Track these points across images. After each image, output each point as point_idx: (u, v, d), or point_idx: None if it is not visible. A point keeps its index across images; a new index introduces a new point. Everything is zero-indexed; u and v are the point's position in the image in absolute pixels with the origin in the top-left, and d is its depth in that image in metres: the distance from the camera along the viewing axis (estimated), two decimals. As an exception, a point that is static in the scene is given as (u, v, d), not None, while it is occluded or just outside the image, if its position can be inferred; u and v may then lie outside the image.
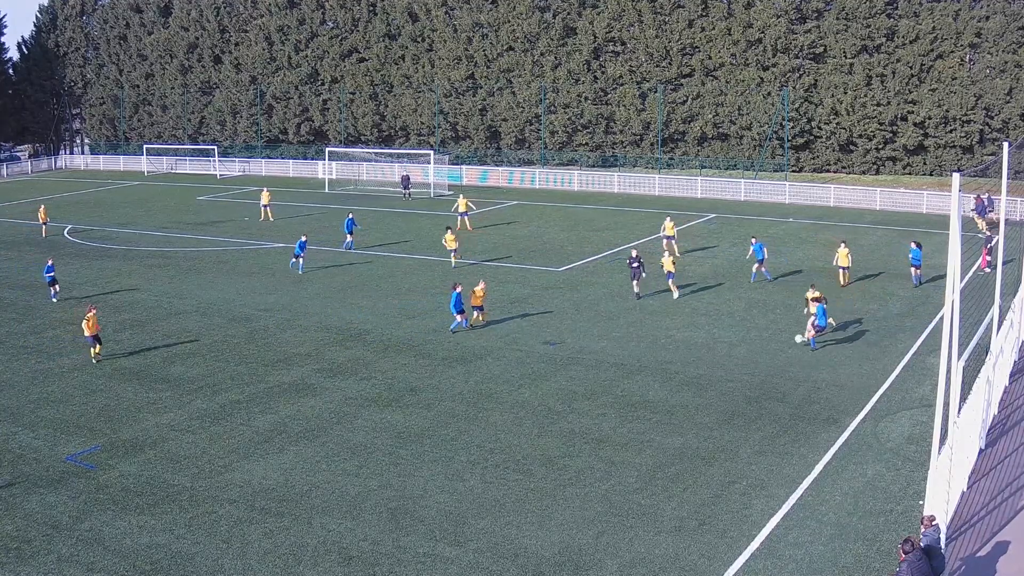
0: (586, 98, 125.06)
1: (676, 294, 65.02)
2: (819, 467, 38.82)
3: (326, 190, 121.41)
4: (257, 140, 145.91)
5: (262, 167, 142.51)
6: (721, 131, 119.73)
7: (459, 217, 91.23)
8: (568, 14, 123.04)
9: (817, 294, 55.98)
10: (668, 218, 79.46)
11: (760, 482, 37.55)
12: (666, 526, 34.02)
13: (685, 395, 47.18)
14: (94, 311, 54.58)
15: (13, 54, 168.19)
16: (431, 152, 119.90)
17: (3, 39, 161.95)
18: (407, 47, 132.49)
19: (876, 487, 36.72)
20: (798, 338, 54.11)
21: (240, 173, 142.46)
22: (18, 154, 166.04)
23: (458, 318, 58.21)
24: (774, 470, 38.59)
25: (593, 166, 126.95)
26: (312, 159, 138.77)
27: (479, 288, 59.21)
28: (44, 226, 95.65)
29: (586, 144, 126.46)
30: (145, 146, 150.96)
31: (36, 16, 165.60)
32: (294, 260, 75.92)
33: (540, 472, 38.75)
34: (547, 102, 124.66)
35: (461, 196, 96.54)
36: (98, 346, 54.62)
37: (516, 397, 47.35)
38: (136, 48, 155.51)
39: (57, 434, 44.29)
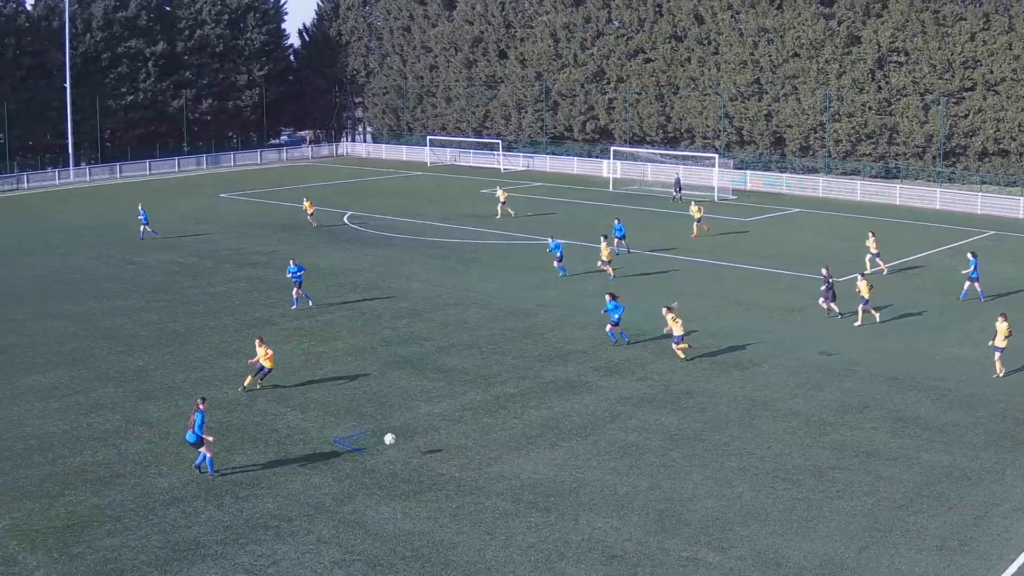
0: (869, 107, 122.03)
1: (860, 321, 61.01)
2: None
3: (610, 189, 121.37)
4: (542, 136, 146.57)
5: (546, 163, 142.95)
6: (1002, 147, 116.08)
7: (694, 223, 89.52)
8: (852, 22, 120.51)
9: None
10: (871, 233, 76.06)
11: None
12: (928, 544, 33.08)
13: (956, 413, 45.75)
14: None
15: (294, 40, 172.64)
16: (716, 155, 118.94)
17: (284, 26, 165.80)
18: (693, 49, 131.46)
19: None
20: None
21: (524, 168, 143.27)
22: (299, 140, 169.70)
23: (608, 328, 56.89)
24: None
25: (876, 176, 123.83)
26: (596, 157, 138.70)
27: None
28: (311, 216, 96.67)
29: (870, 154, 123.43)
30: (429, 137, 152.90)
31: (318, 4, 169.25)
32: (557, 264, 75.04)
33: (808, 483, 38.03)
34: (831, 110, 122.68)
35: (694, 204, 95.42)
36: (261, 377, 49.15)
37: (789, 406, 46.54)
38: (420, 40, 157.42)
39: (326, 416, 45.16)
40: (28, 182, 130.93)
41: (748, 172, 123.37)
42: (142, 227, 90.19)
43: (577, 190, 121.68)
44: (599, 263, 73.17)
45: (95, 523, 35.18)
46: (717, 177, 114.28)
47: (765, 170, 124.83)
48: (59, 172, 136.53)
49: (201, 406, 39.57)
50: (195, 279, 72.81)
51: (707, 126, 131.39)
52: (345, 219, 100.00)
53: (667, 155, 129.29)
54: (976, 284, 66.41)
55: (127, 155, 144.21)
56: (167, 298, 67.73)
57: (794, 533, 33.74)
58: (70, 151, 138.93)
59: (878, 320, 60.25)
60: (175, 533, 34.36)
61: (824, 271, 62.63)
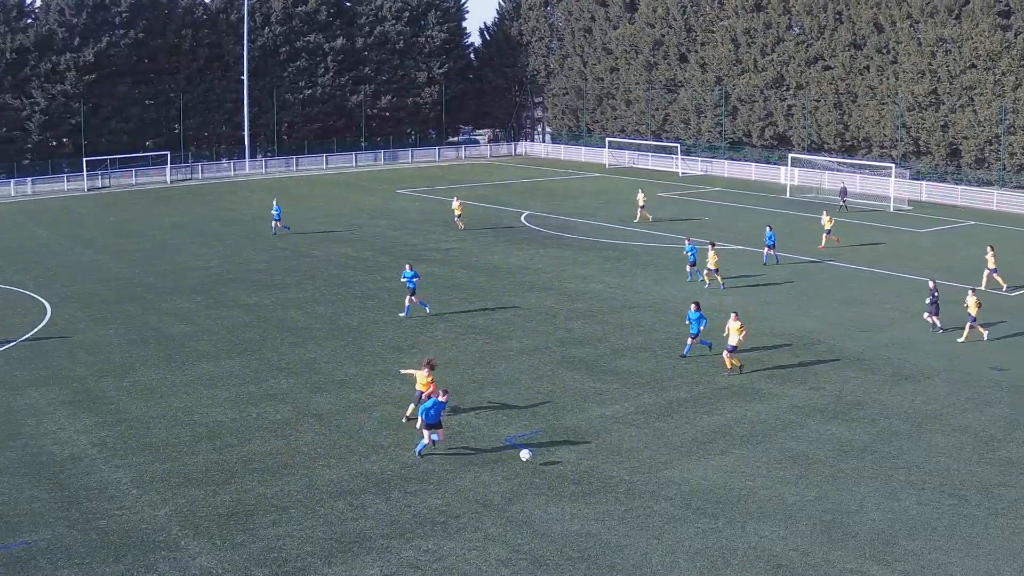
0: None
1: (964, 337, 58.85)
2: None
3: (787, 196, 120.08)
4: (720, 141, 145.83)
5: (724, 168, 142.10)
6: None
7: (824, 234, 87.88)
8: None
9: None
10: (990, 248, 73.16)
11: None
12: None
13: None
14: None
15: (475, 39, 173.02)
16: (892, 165, 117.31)
17: (465, 24, 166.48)
18: (872, 58, 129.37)
19: None
20: None
21: (702, 173, 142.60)
22: (477, 138, 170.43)
23: (689, 342, 55.31)
24: None
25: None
26: (774, 164, 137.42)
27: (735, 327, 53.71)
28: (458, 218, 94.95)
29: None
30: (607, 139, 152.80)
31: (499, 4, 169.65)
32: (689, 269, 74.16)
33: (975, 499, 37.41)
34: (1007, 123, 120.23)
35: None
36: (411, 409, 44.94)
37: (959, 420, 45.78)
38: (601, 41, 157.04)
39: (498, 415, 45.47)
40: (203, 172, 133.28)
41: (924, 183, 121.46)
42: (273, 223, 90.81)
43: (753, 196, 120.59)
44: (705, 272, 72.23)
45: (260, 512, 35.88)
46: (893, 187, 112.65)
47: (940, 181, 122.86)
48: (234, 164, 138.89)
49: (442, 397, 40.58)
50: (370, 274, 73.78)
51: (884, 135, 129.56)
52: (523, 218, 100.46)
53: (844, 163, 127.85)
54: None
55: (304, 149, 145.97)
56: (341, 291, 68.86)
57: (958, 549, 33.30)
58: (246, 143, 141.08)
59: (986, 338, 58.58)
60: (340, 525, 34.88)
61: (930, 283, 61.39)
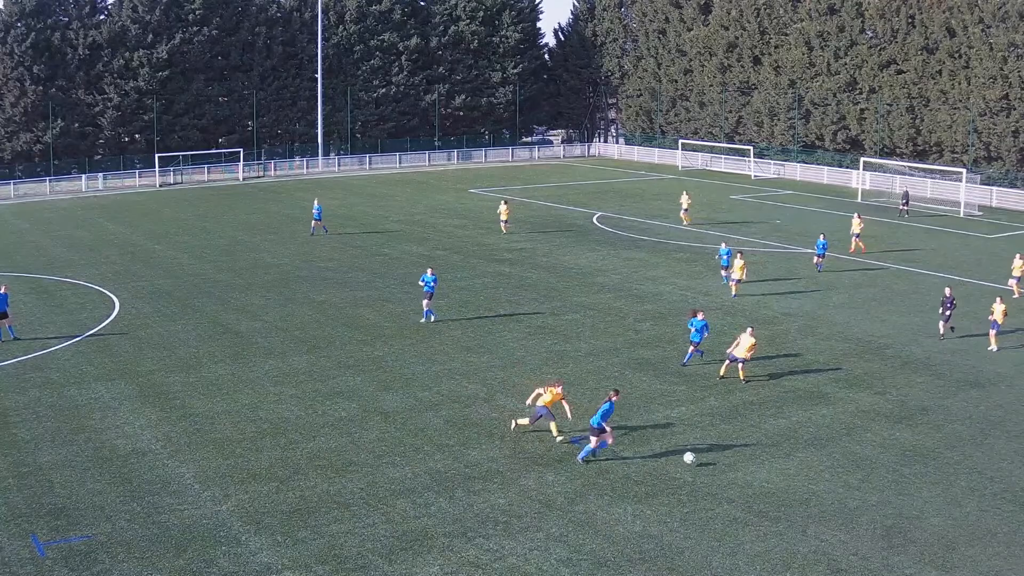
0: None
1: (993, 345, 58.34)
2: None
3: (859, 200, 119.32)
4: (793, 144, 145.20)
5: (796, 171, 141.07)
6: None
7: (853, 238, 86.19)
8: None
9: None
10: (1019, 256, 72.42)
11: None
12: None
13: None
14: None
15: (549, 39, 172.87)
16: (963, 171, 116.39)
17: (539, 25, 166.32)
18: (944, 62, 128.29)
19: None
20: None
21: (775, 176, 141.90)
22: (551, 138, 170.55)
23: (690, 349, 54.14)
24: None
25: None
26: (847, 168, 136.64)
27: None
28: (505, 223, 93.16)
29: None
30: (680, 141, 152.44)
31: (573, 4, 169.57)
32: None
33: (1037, 506, 37.37)
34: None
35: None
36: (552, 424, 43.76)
37: (1023, 428, 45.62)
38: (675, 43, 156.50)
39: (563, 415, 45.10)
40: (275, 170, 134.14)
41: (994, 188, 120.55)
42: (313, 223, 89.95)
43: (825, 200, 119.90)
44: (733, 282, 70.53)
45: (322, 509, 36.27)
46: (964, 192, 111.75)
47: (1011, 187, 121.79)
48: (307, 161, 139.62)
49: (613, 397, 40.75)
50: (441, 272, 73.80)
51: (956, 140, 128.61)
52: (595, 219, 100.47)
53: (915, 168, 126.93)
54: None
55: (377, 148, 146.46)
56: (412, 290, 68.57)
57: (1018, 556, 33.32)
58: (320, 141, 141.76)
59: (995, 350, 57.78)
60: (403, 523, 35.16)
61: (947, 291, 60.98)
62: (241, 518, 35.45)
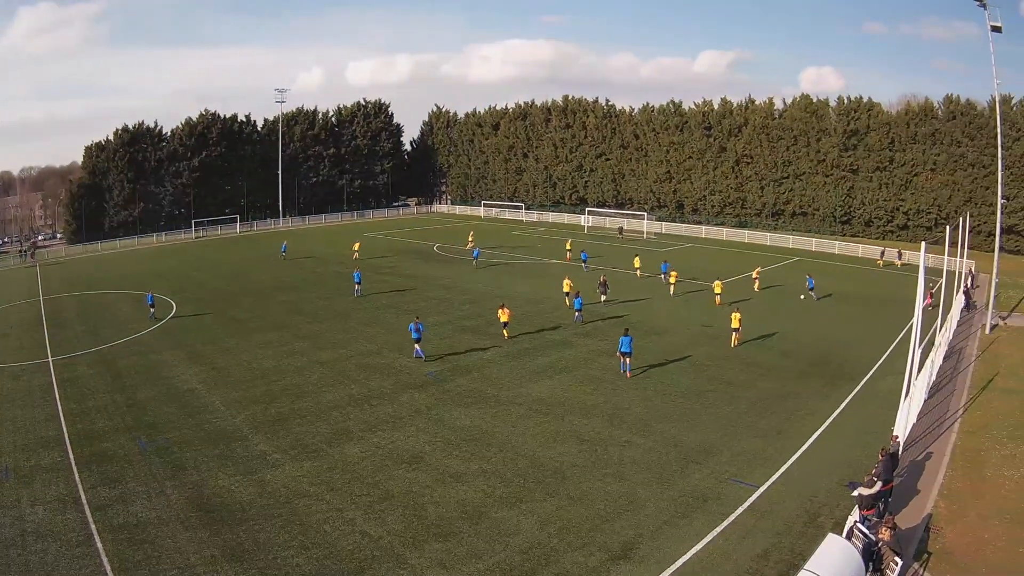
0: None
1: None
2: (845, 402, 38.31)
3: (585, 232, 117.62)
4: (547, 201, 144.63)
5: (549, 216, 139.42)
6: None
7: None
8: None
9: None
10: (637, 256, 71.29)
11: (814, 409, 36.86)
12: (760, 434, 33.35)
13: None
14: None
15: (408, 147, 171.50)
16: (645, 214, 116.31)
17: (402, 139, 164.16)
18: (633, 153, 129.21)
19: (873, 417, 35.88)
20: None
21: (536, 220, 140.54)
22: (409, 203, 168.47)
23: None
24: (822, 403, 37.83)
25: None
26: (577, 213, 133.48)
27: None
28: (355, 256, 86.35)
29: None
30: (483, 201, 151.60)
31: (422, 125, 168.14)
32: None
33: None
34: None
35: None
36: None
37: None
38: (479, 147, 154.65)
39: (419, 362, 45.31)
40: (256, 226, 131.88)
41: (663, 223, 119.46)
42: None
43: (568, 231, 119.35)
44: (671, 287, 64.38)
45: (291, 419, 36.70)
46: (646, 225, 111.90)
47: (671, 222, 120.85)
48: (272, 221, 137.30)
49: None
50: (349, 280, 71.47)
51: (641, 197, 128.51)
52: (435, 248, 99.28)
53: (619, 212, 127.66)
54: None
55: (312, 211, 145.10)
56: (340, 289, 67.29)
57: (689, 424, 33.99)
58: (280, 208, 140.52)
59: None
60: (336, 424, 35.55)
61: (602, 277, 60.56)
62: (247, 425, 35.93)
